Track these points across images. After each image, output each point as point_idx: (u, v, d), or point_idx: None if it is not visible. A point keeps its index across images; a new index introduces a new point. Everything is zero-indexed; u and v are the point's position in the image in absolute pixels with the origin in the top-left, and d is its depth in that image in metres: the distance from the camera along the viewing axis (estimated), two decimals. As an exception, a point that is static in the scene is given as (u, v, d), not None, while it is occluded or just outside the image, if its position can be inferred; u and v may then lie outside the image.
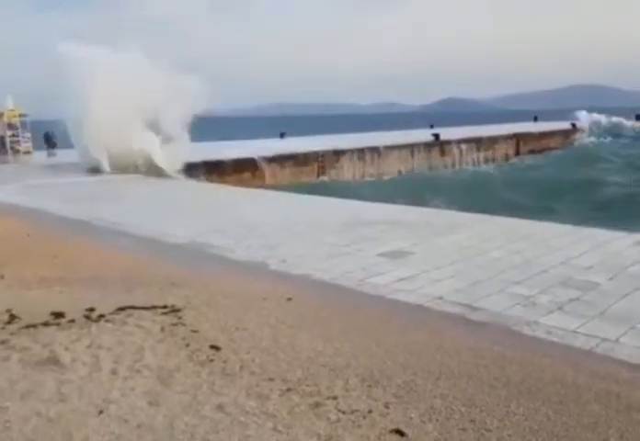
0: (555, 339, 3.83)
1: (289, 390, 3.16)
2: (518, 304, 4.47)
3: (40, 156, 21.09)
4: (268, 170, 18.69)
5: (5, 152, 21.89)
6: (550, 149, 32.13)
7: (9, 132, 22.07)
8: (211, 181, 16.29)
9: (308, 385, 3.21)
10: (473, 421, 2.81)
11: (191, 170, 16.25)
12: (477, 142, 27.83)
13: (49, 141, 22.35)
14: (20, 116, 22.43)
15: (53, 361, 3.50)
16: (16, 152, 22.12)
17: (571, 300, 4.53)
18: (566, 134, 35.67)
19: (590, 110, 46.04)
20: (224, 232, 7.53)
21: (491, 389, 3.13)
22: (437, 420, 2.83)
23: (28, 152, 22.40)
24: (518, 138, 30.92)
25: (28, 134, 22.77)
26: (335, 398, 3.06)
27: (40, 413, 2.92)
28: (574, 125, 37.25)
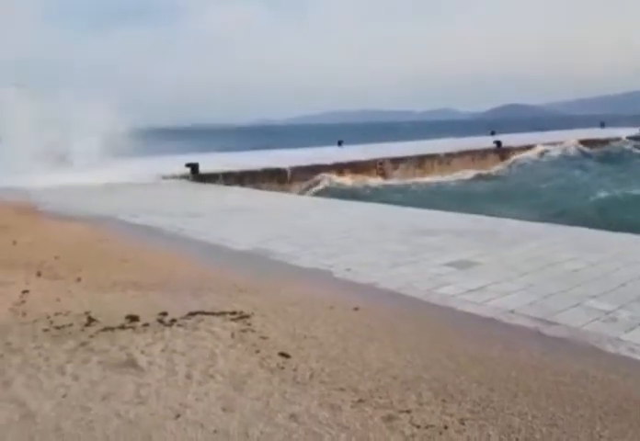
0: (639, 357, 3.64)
1: (360, 401, 3.13)
2: (597, 319, 4.28)
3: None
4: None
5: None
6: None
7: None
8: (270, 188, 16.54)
9: (380, 397, 3.17)
10: (556, 442, 2.70)
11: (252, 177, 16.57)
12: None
13: None
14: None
15: (131, 364, 3.61)
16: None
17: (655, 317, 4.29)
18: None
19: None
20: (288, 239, 7.60)
21: (573, 408, 3.00)
22: (516, 439, 2.73)
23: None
24: (584, 144, 29.84)
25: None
26: (408, 411, 3.01)
27: (120, 415, 3.01)
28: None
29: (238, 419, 2.94)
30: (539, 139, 29.57)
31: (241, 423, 2.90)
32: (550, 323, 4.23)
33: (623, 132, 34.75)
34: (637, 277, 5.35)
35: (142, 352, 3.81)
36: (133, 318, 4.46)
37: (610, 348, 3.80)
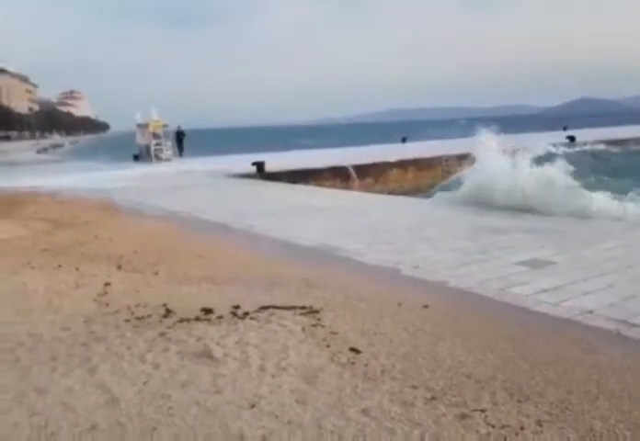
0: None
1: (433, 398, 3.12)
2: (682, 322, 4.05)
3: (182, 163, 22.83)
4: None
5: (150, 159, 23.97)
6: None
7: (154, 141, 24.15)
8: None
9: (453, 395, 3.14)
10: (641, 448, 2.58)
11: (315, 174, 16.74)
12: (619, 144, 25.74)
13: (180, 140, 24.36)
14: (163, 126, 24.51)
15: (207, 355, 3.75)
16: (158, 159, 24.16)
17: None
18: None
19: None
20: (353, 236, 7.62)
21: (659, 414, 2.86)
22: (598, 443, 2.64)
23: (168, 160, 24.37)
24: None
25: (169, 143, 24.84)
26: (482, 411, 2.96)
27: (198, 403, 3.14)
28: None
29: (311, 412, 2.99)
30: (619, 133, 28.14)
31: (314, 416, 2.95)
32: (632, 325, 4.04)
33: None
34: None
35: (218, 343, 3.94)
36: (208, 310, 4.61)
37: (698, 353, 3.59)
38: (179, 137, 25.37)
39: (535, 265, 5.78)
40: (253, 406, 3.07)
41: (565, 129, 34.20)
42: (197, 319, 4.45)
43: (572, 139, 25.12)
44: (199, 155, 24.57)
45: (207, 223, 9.37)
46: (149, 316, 4.54)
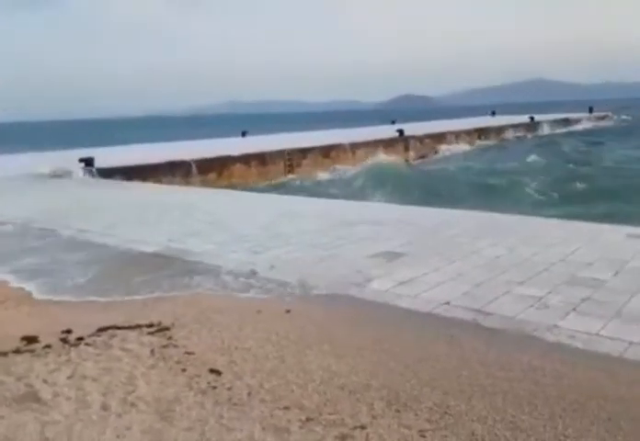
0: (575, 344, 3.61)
1: (309, 419, 2.81)
2: (531, 307, 4.23)
3: None
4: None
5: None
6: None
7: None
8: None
9: (329, 413, 2.86)
10: (523, 448, 2.52)
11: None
12: (439, 138, 27.99)
13: None
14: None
15: (32, 397, 3.05)
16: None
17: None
18: (527, 127, 36.32)
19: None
20: (202, 236, 7.06)
21: (531, 408, 2.85)
22: (482, 448, 2.53)
23: None
24: (479, 132, 31.30)
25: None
26: (363, 427, 2.72)
27: (22, 465, 2.48)
28: (532, 118, 37.91)
29: (171, 457, 2.51)
30: (436, 127, 30.58)
31: (175, 462, 2.48)
32: (486, 315, 4.13)
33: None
34: (558, 260, 5.44)
35: (45, 381, 3.24)
36: (31, 339, 3.84)
37: (549, 336, 3.74)
38: None
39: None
40: (95, 460, 2.50)
41: (393, 122, 36.31)
42: (17, 351, 3.66)
43: (401, 132, 26.68)
44: (6, 152, 21.76)
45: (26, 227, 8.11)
46: (-50, 354, 3.64)
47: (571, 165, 20.55)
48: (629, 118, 50.97)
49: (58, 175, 15.22)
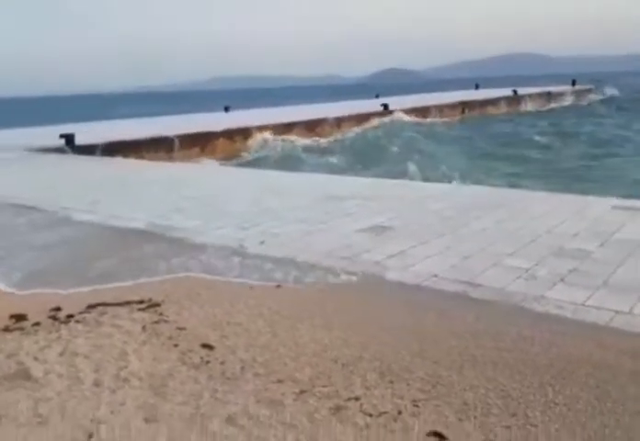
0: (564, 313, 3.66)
1: (302, 392, 2.83)
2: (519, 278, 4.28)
3: None
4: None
5: None
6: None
7: None
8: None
9: (323, 385, 2.89)
10: (514, 415, 2.57)
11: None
12: (424, 111, 27.88)
13: None
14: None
15: (24, 374, 3.02)
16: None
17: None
18: (509, 100, 36.25)
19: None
20: (186, 212, 6.99)
21: (521, 376, 2.90)
22: (475, 417, 2.57)
23: None
24: (464, 106, 31.21)
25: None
26: (357, 399, 2.75)
27: (17, 443, 2.48)
28: (515, 91, 37.82)
29: (165, 432, 2.51)
30: (424, 101, 30.45)
31: (170, 437, 2.48)
32: (475, 286, 4.17)
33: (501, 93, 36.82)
34: (545, 232, 5.49)
35: (36, 358, 3.21)
36: (20, 317, 3.80)
37: (536, 307, 3.79)
38: None
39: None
40: (90, 436, 2.50)
41: (377, 96, 36.05)
42: (6, 329, 3.63)
43: (385, 107, 26.53)
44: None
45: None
46: (-63, 333, 3.59)
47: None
48: (616, 92, 47.20)
49: (37, 150, 14.93)
